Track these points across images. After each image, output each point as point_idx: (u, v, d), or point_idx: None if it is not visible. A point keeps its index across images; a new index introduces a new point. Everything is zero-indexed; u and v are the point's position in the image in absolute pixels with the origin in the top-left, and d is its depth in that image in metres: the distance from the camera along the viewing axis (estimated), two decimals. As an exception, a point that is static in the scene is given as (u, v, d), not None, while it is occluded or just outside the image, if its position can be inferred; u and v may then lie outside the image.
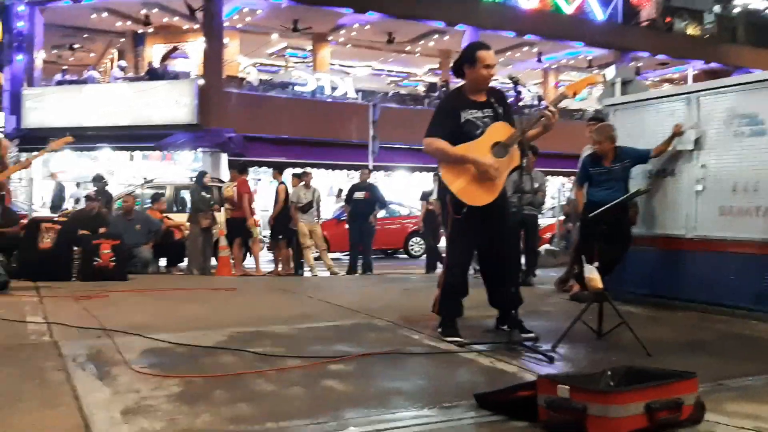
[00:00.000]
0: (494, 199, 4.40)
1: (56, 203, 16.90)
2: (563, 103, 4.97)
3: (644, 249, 6.33)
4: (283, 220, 10.86)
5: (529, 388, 2.91)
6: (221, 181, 10.91)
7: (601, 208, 5.07)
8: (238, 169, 11.16)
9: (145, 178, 15.08)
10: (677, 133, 6.11)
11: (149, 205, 11.50)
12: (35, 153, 8.97)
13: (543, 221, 13.11)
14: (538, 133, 4.49)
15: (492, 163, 4.33)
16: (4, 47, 22.33)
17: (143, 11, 21.38)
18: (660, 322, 5.52)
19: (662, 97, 6.66)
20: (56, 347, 4.10)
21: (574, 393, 2.67)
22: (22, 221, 9.55)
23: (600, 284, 4.46)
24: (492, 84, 4.61)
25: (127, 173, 19.12)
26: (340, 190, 19.45)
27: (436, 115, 4.60)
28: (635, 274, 6.33)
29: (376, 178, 17.42)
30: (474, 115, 4.47)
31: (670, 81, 30.06)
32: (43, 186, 18.76)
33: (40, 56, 21.33)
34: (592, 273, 4.49)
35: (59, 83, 21.42)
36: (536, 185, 8.01)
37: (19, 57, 20.65)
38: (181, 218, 11.24)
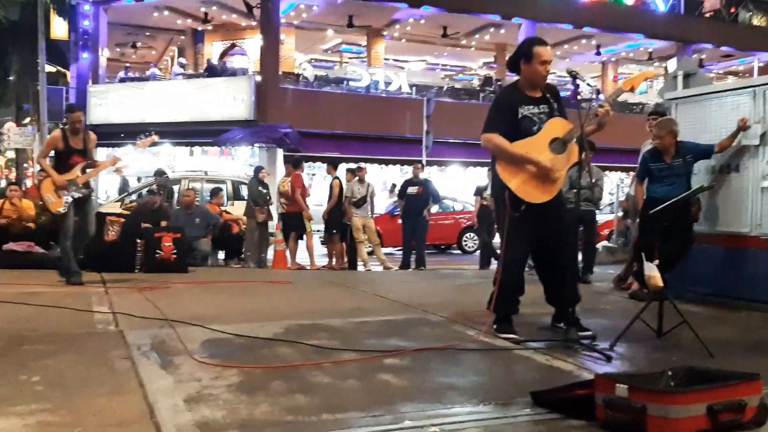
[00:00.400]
0: (554, 196, 4.35)
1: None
2: (621, 97, 4.90)
3: (707, 247, 6.16)
4: (337, 215, 10.96)
5: (587, 386, 2.88)
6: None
7: (662, 205, 4.96)
8: (293, 164, 11.33)
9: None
10: (742, 127, 5.92)
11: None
12: (122, 150, 9.26)
13: (601, 217, 12.87)
14: (593, 130, 4.43)
15: (553, 165, 4.29)
16: (71, 46, 23.16)
17: (203, 9, 21.88)
18: (722, 321, 5.36)
19: (726, 90, 6.45)
20: (122, 336, 4.25)
21: (633, 392, 2.64)
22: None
23: (660, 282, 4.36)
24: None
25: (187, 168, 19.59)
26: (393, 185, 19.50)
27: (492, 111, 4.57)
28: (697, 273, 6.17)
29: (430, 173, 17.39)
30: (531, 111, 4.43)
31: (735, 73, 29.11)
32: (107, 180, 19.39)
33: (104, 54, 22.05)
34: (652, 271, 4.39)
35: (122, 80, 22.11)
36: (593, 180, 7.87)
37: (85, 55, 21.40)
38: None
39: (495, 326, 4.53)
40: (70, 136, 6.86)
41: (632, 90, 4.53)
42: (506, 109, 4.48)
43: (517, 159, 4.37)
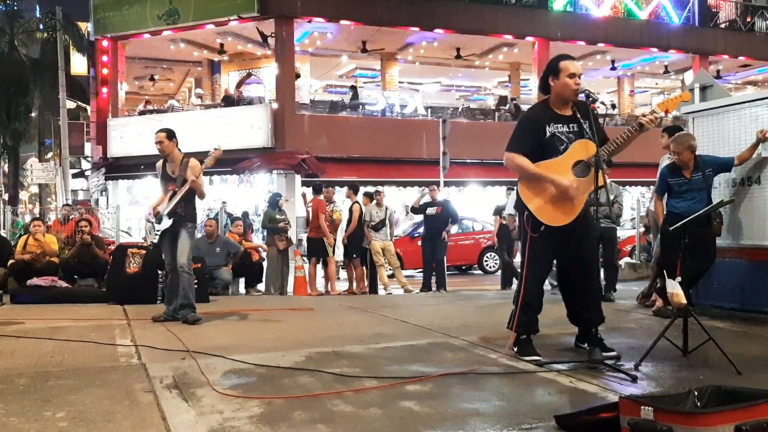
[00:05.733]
0: (573, 219, 4.30)
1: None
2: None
3: (731, 260, 6.07)
4: (358, 239, 10.98)
5: (612, 409, 2.84)
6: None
7: (683, 221, 4.91)
8: (313, 189, 11.40)
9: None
10: (762, 139, 5.86)
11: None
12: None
13: (622, 233, 12.75)
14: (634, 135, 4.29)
15: (571, 183, 4.25)
16: (90, 81, 23.61)
17: (218, 40, 22.20)
18: (750, 337, 5.27)
19: (744, 102, 6.38)
20: (144, 369, 4.27)
21: (659, 414, 2.59)
22: (109, 247, 10.02)
23: (683, 299, 4.31)
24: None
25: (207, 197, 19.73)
26: (407, 207, 19.59)
27: (517, 129, 4.51)
28: (722, 288, 6.08)
29: (448, 193, 17.37)
30: (559, 129, 4.38)
31: (754, 83, 28.87)
32: (128, 212, 19.57)
33: (123, 88, 22.43)
34: (675, 288, 4.34)
35: (141, 113, 22.46)
36: (611, 197, 7.81)
37: (104, 89, 21.80)
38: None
39: (515, 348, 4.49)
40: None
41: (667, 113, 4.46)
42: (532, 127, 4.43)
43: (537, 178, 4.35)
